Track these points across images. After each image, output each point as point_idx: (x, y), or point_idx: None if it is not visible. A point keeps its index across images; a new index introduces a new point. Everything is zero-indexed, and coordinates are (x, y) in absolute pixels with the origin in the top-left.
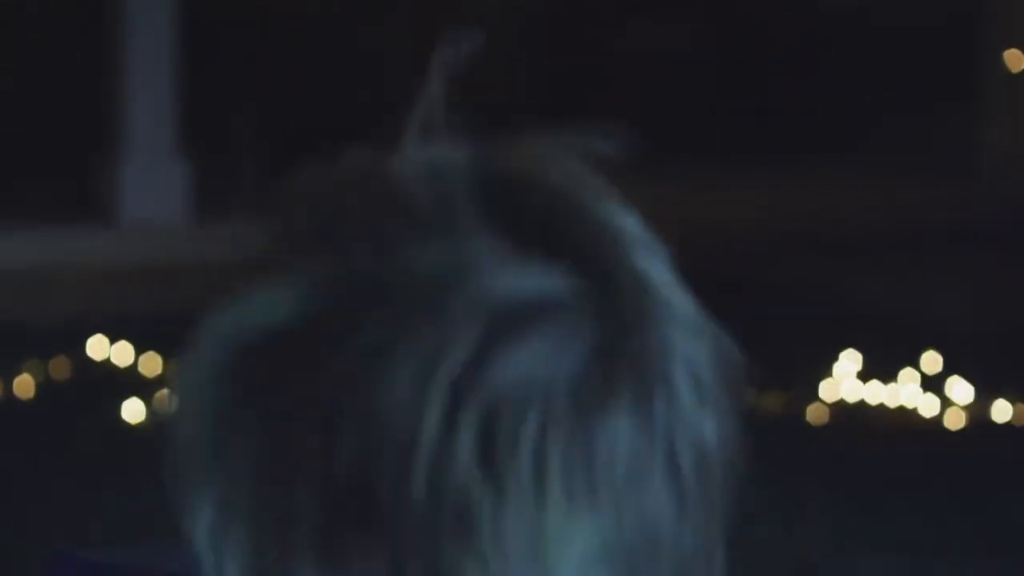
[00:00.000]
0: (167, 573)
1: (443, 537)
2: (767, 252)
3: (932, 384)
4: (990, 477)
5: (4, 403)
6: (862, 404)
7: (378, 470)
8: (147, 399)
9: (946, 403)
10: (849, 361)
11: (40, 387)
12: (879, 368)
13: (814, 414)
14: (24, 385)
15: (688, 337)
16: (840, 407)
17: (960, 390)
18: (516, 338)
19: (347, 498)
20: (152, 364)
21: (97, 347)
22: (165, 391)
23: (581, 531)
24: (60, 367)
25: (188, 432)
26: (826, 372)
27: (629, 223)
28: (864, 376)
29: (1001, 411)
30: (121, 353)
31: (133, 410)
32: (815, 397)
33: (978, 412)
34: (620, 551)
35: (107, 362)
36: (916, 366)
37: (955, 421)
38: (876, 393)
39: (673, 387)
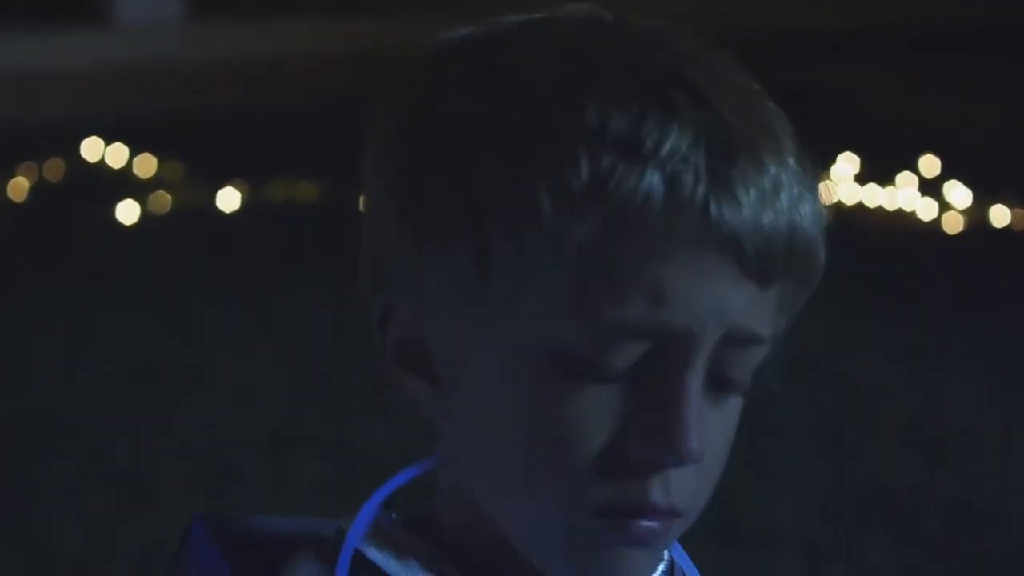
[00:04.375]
0: (308, 536)
1: None
2: (764, 54)
3: (930, 188)
4: (987, 282)
5: None
6: (860, 207)
7: None
8: (141, 200)
9: (944, 207)
10: (847, 163)
11: (34, 189)
12: (877, 171)
13: None
14: (18, 187)
15: None
16: (838, 209)
17: (958, 194)
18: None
19: None
20: (147, 165)
21: (91, 148)
22: (159, 192)
23: None
24: (54, 169)
25: None
26: (824, 174)
27: None
28: (862, 179)
29: (999, 215)
30: (116, 154)
31: (127, 211)
32: None
33: (976, 216)
34: None
35: (101, 163)
36: (914, 169)
37: (953, 225)
38: (874, 196)
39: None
